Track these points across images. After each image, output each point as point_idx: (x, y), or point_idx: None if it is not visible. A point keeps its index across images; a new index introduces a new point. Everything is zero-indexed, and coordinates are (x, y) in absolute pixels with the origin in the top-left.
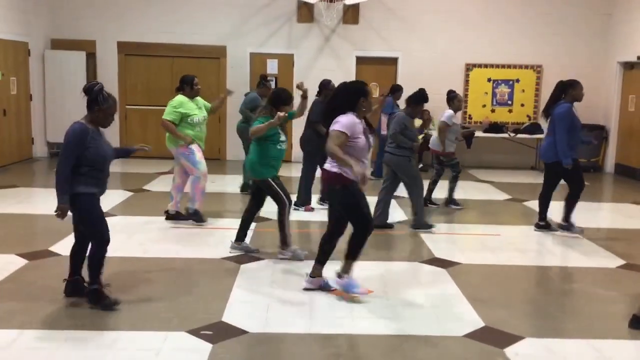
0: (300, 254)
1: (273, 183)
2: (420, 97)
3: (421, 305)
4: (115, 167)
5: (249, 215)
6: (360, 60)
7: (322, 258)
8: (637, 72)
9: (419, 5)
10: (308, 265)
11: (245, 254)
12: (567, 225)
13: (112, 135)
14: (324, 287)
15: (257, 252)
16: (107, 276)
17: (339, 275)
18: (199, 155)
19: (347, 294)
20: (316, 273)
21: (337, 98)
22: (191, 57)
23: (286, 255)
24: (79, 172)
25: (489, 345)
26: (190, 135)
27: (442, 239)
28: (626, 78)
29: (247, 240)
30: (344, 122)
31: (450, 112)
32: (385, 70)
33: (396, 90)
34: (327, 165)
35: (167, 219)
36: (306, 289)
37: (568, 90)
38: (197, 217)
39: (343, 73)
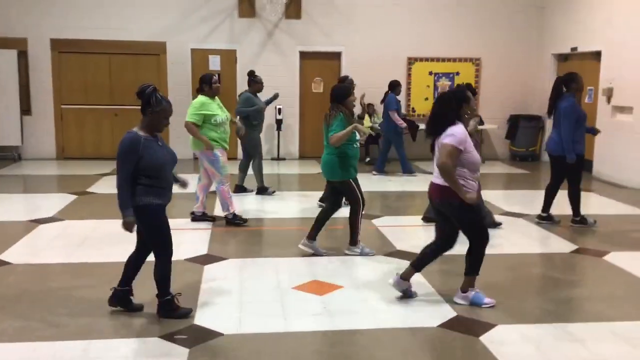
0: (368, 251)
1: (353, 185)
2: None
3: (392, 298)
4: (52, 169)
5: (325, 216)
6: (303, 55)
7: (418, 264)
8: (571, 63)
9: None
10: (272, 265)
11: (313, 254)
12: (578, 219)
13: (46, 135)
14: (407, 293)
15: (325, 254)
16: (67, 282)
17: (463, 290)
18: (222, 159)
19: (476, 305)
20: (407, 276)
21: (441, 107)
22: (129, 53)
23: (355, 252)
24: (139, 183)
25: (465, 334)
26: (214, 136)
27: (401, 230)
28: (560, 69)
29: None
30: (458, 136)
31: None
32: (329, 65)
33: (395, 85)
34: (436, 179)
35: (193, 220)
36: (392, 286)
37: (570, 84)
38: (238, 220)
39: (287, 68)
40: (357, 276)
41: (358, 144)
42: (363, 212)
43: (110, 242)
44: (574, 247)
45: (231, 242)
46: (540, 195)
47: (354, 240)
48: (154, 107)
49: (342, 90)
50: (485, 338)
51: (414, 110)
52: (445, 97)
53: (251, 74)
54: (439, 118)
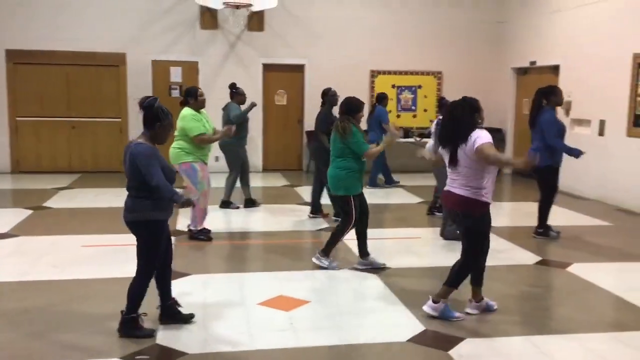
0: (335, 266)
1: (352, 202)
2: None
3: (359, 313)
4: (6, 183)
5: (362, 229)
6: (267, 68)
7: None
8: (530, 77)
9: (323, 12)
10: (236, 281)
11: (371, 268)
12: (542, 231)
13: (1, 147)
14: (488, 309)
15: (384, 265)
16: (20, 302)
17: (435, 301)
18: (201, 175)
19: (445, 319)
20: (477, 296)
21: (458, 116)
22: (88, 65)
23: (322, 263)
24: (146, 197)
25: (434, 349)
26: (194, 150)
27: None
28: (520, 83)
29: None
30: (485, 134)
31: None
32: (292, 78)
33: (383, 98)
34: (458, 190)
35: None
36: (429, 315)
37: (550, 97)
38: (201, 236)
39: (250, 80)
40: (323, 291)
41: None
42: (350, 230)
43: (68, 258)
44: (537, 258)
45: (195, 258)
46: (505, 207)
47: (326, 251)
48: (163, 120)
49: (354, 104)
50: (454, 352)
51: None
52: (461, 104)
53: (233, 86)
54: (460, 124)
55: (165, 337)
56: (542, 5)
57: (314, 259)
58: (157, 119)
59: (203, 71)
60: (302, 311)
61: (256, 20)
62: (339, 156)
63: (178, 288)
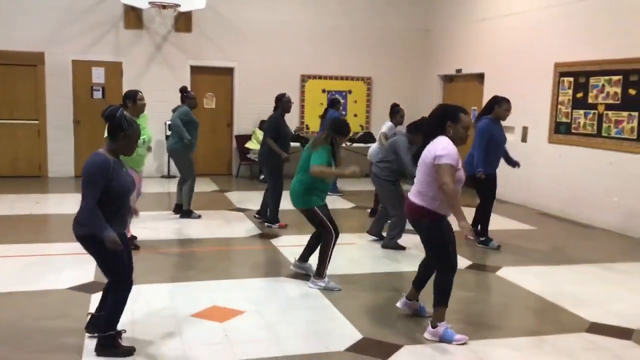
0: (333, 286)
1: (319, 212)
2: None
3: (296, 322)
4: None
5: (317, 241)
6: (195, 70)
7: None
8: (456, 84)
9: (253, 15)
10: (167, 292)
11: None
12: (483, 239)
13: None
14: (419, 312)
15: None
16: None
17: (433, 325)
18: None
19: (446, 342)
20: (413, 296)
21: (431, 116)
22: (3, 64)
23: (319, 286)
24: (100, 210)
25: (372, 357)
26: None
27: (298, 251)
28: (446, 90)
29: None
30: (449, 153)
31: (391, 124)
32: (221, 80)
33: (336, 102)
34: (413, 197)
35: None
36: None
37: (494, 106)
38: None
39: (177, 83)
40: (258, 300)
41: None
42: (335, 243)
43: None
44: (468, 262)
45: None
46: None
47: (319, 273)
48: (127, 130)
49: (344, 126)
50: None
51: (307, 127)
52: (438, 108)
53: (184, 90)
54: (428, 127)
55: (89, 356)
56: (468, 15)
57: (309, 285)
58: (120, 128)
59: (128, 72)
60: (237, 322)
61: (183, 21)
62: (301, 169)
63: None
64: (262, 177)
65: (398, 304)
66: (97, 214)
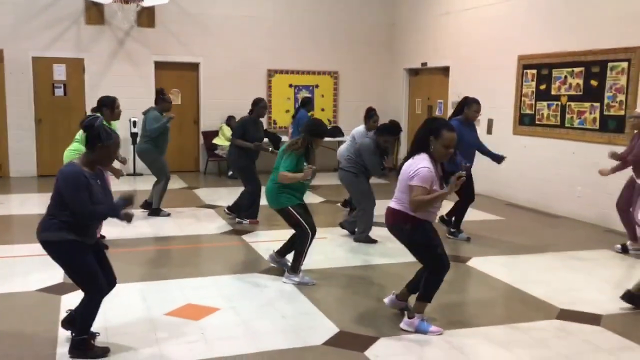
0: (308, 281)
1: (294, 212)
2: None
3: (272, 318)
4: None
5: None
6: (159, 66)
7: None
8: (421, 77)
9: (218, 10)
10: (137, 291)
11: None
12: (455, 231)
13: None
14: (404, 310)
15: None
16: None
17: (410, 316)
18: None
19: (421, 333)
20: (403, 297)
21: (417, 133)
22: None
23: (293, 281)
24: (61, 219)
25: (349, 350)
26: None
27: (272, 246)
28: (412, 83)
29: None
30: (422, 175)
31: (363, 129)
32: (187, 76)
33: (308, 102)
34: (394, 204)
35: None
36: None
37: (464, 108)
38: None
39: (141, 79)
40: (232, 297)
41: (308, 182)
42: (311, 241)
43: None
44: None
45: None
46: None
47: (294, 268)
48: (105, 141)
49: (320, 127)
50: (369, 352)
51: (275, 123)
52: (425, 122)
53: (161, 92)
54: (415, 141)
55: (64, 356)
56: (431, 8)
57: (284, 280)
58: (99, 139)
59: (90, 69)
60: (213, 319)
61: (146, 16)
62: (275, 168)
63: (74, 302)
64: (230, 173)
65: (386, 301)
66: (95, 210)
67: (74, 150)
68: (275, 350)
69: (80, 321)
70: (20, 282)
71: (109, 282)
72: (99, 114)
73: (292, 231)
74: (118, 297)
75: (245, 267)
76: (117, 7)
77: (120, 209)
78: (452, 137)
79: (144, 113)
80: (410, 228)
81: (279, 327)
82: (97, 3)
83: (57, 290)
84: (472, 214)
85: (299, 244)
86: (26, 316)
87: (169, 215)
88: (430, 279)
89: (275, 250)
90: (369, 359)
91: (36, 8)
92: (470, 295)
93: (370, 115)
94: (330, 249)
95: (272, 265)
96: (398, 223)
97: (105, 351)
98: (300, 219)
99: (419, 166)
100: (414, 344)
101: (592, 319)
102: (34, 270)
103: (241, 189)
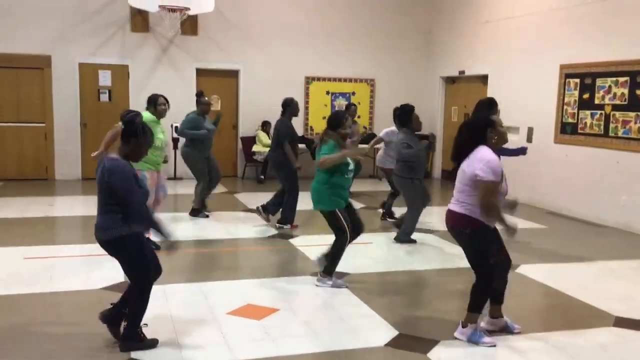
0: (341, 284)
1: (340, 215)
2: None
3: (330, 319)
4: None
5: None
6: (200, 72)
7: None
8: (458, 85)
9: (258, 18)
10: (198, 291)
11: None
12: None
13: None
14: (508, 329)
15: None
16: None
17: (463, 325)
18: (149, 182)
19: (474, 344)
20: (497, 312)
21: (467, 132)
22: (9, 67)
23: (326, 285)
24: (117, 212)
25: (412, 352)
26: (146, 158)
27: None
28: (448, 91)
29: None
30: (493, 167)
31: (391, 128)
32: (227, 83)
33: (347, 108)
34: (454, 206)
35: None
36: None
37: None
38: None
39: (183, 85)
40: (289, 299)
41: (351, 174)
42: (348, 244)
43: (12, 273)
44: None
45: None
46: (434, 211)
47: (328, 272)
48: (140, 138)
49: (335, 118)
50: (433, 355)
51: (312, 129)
52: (466, 124)
53: (199, 95)
54: (462, 143)
55: (138, 352)
56: (471, 16)
57: (316, 283)
58: (135, 134)
59: (134, 75)
60: (274, 319)
61: (189, 24)
62: (318, 169)
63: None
64: (261, 177)
65: (483, 324)
66: (150, 215)
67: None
68: (340, 350)
69: (131, 318)
70: (83, 281)
71: (157, 268)
72: (138, 111)
73: (320, 238)
74: (180, 295)
75: (296, 269)
76: (163, 15)
77: (168, 235)
78: (500, 119)
79: (187, 115)
80: (470, 232)
81: (339, 328)
82: (142, 11)
83: (121, 289)
84: (523, 224)
85: (337, 247)
86: (93, 312)
87: (207, 216)
88: (477, 289)
89: (320, 255)
90: None
91: (83, 15)
92: (525, 301)
93: (405, 110)
94: (377, 253)
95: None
96: (459, 226)
97: (154, 342)
98: (345, 224)
99: (488, 157)
100: (476, 348)
101: None
102: (95, 269)
103: None
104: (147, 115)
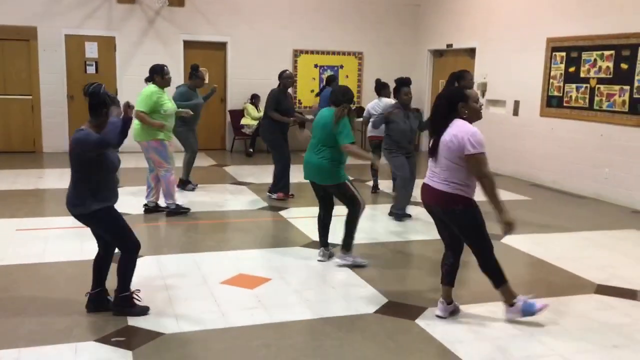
0: (361, 261)
1: (350, 185)
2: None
3: (322, 288)
4: None
5: (326, 224)
6: (187, 45)
7: (449, 280)
8: (446, 59)
9: None
10: (191, 261)
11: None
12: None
13: None
14: (456, 312)
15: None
16: None
17: (510, 304)
18: (170, 149)
19: (530, 315)
20: (448, 297)
21: (437, 108)
22: None
23: (347, 261)
24: (91, 187)
25: (401, 319)
26: (167, 127)
27: (310, 222)
28: (437, 64)
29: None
30: (480, 137)
31: (374, 102)
32: (214, 55)
33: (332, 80)
34: (439, 185)
35: (147, 212)
36: (439, 316)
37: (460, 81)
38: (183, 210)
39: (171, 58)
40: (281, 268)
41: None
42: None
43: (5, 243)
44: None
45: (143, 239)
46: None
47: (347, 247)
48: (110, 106)
49: (349, 93)
50: (420, 321)
51: (300, 102)
52: (440, 96)
53: (194, 68)
54: (438, 115)
55: (135, 317)
56: None
57: (337, 259)
58: (104, 104)
59: (120, 47)
60: (266, 288)
61: None
62: (323, 145)
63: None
64: (250, 150)
65: (439, 313)
66: (103, 137)
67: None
68: (333, 317)
69: (121, 280)
70: (63, 252)
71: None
72: (100, 83)
73: (309, 210)
74: (174, 265)
75: (287, 240)
76: None
77: (120, 126)
78: (475, 92)
79: (177, 88)
80: (462, 209)
81: (330, 297)
82: None
83: (116, 260)
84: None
85: (352, 220)
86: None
87: (194, 189)
88: (487, 265)
89: (321, 253)
90: (420, 326)
91: None
92: (510, 271)
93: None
94: (367, 224)
95: (314, 240)
96: (449, 206)
97: (145, 309)
98: (356, 192)
99: (471, 130)
100: (464, 313)
101: (630, 294)
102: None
103: (268, 166)
104: (151, 88)
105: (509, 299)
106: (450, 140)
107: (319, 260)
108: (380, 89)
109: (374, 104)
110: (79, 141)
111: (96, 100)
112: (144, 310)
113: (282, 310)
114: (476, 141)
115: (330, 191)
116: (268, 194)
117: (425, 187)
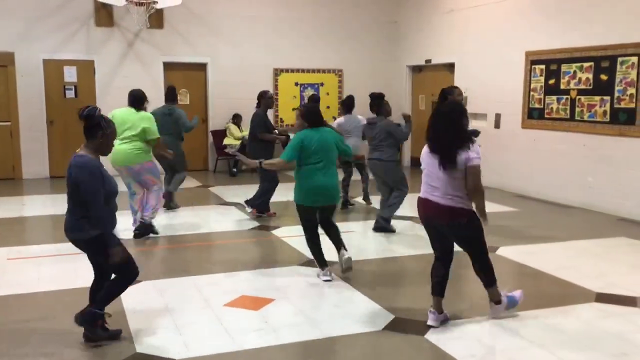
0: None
1: None
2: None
3: (326, 306)
4: None
5: (318, 243)
6: (168, 66)
7: (439, 290)
8: (424, 74)
9: (223, 10)
10: (191, 284)
11: None
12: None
13: None
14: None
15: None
16: None
17: (497, 302)
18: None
19: (515, 306)
20: (438, 307)
21: (455, 120)
22: None
23: (329, 277)
24: (85, 215)
25: (411, 335)
26: (150, 150)
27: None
28: (415, 80)
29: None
30: (477, 148)
31: (341, 118)
32: (195, 76)
33: (316, 100)
34: (444, 200)
35: (136, 236)
36: (431, 325)
37: (447, 97)
38: (152, 230)
39: (151, 80)
40: (282, 288)
41: None
42: None
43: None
44: None
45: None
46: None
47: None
48: (106, 130)
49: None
50: (430, 336)
51: (282, 120)
52: (455, 108)
53: (174, 89)
54: (458, 129)
55: (144, 344)
56: (435, 5)
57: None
58: (99, 127)
59: (100, 70)
60: (271, 309)
61: (155, 18)
62: (333, 164)
63: (132, 297)
64: (234, 170)
65: (431, 322)
66: (107, 220)
67: (138, 149)
68: (338, 336)
69: (104, 295)
70: (57, 281)
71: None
72: (95, 106)
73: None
74: (174, 289)
75: (283, 260)
76: (129, 9)
77: (115, 244)
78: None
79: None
80: (466, 221)
81: (335, 315)
82: (106, 5)
83: None
84: (487, 206)
85: (339, 235)
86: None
87: (176, 209)
88: (483, 266)
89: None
90: (431, 342)
91: (46, 11)
92: (508, 283)
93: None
94: (361, 242)
95: (310, 258)
96: (454, 219)
97: (118, 332)
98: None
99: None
100: (470, 326)
101: (629, 301)
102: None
103: (253, 185)
104: (148, 114)
105: (497, 297)
106: (461, 158)
107: (325, 281)
108: (352, 106)
109: (347, 119)
110: (81, 167)
111: (91, 123)
112: (117, 334)
113: (290, 331)
114: (476, 151)
115: (331, 209)
116: (244, 203)
117: (426, 202)
